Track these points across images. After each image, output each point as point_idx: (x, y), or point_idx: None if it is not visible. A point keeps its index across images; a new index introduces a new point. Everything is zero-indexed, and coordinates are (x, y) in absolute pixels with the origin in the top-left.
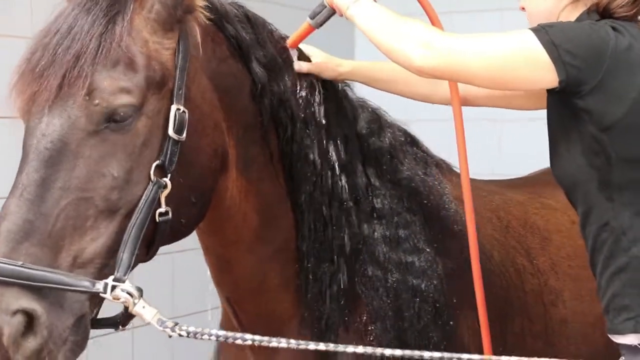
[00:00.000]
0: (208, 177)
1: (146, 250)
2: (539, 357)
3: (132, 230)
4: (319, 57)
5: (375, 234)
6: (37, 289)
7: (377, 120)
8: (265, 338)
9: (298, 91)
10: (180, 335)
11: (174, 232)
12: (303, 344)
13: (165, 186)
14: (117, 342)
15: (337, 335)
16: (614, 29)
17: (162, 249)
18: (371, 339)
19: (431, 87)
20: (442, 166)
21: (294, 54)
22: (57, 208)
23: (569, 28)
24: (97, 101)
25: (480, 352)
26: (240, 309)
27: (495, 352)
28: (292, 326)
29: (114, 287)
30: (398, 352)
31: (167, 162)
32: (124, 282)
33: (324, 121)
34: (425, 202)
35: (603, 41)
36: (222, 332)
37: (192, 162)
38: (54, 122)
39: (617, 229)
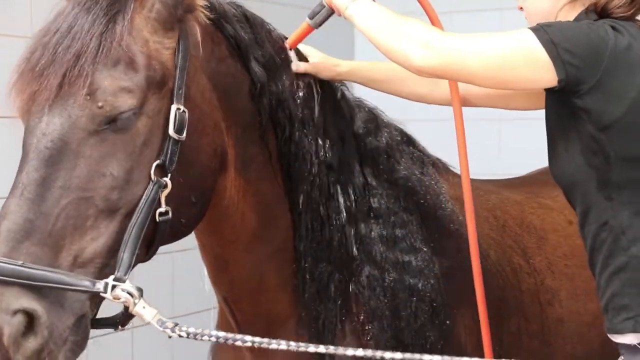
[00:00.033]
0: (208, 176)
1: (146, 250)
2: (534, 356)
3: (132, 230)
4: (317, 57)
5: (372, 233)
6: (37, 289)
7: (374, 119)
8: (265, 340)
9: (296, 91)
10: (180, 336)
11: (174, 231)
12: (303, 346)
13: (166, 186)
14: (117, 341)
15: (335, 335)
16: (613, 28)
17: (162, 249)
18: (368, 338)
19: (428, 88)
20: (438, 165)
21: (293, 55)
22: (58, 207)
23: (568, 27)
24: (98, 101)
25: (477, 351)
26: (238, 309)
27: (492, 352)
28: (290, 326)
29: (114, 287)
30: (398, 355)
31: (167, 162)
32: (124, 282)
33: (321, 121)
34: (422, 201)
35: (602, 40)
36: (222, 334)
37: (192, 161)
38: (54, 122)
39: (616, 229)
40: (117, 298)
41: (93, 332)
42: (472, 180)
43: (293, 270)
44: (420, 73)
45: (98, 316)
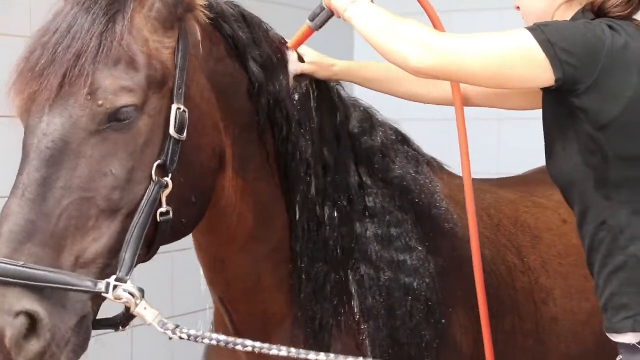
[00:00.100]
0: (208, 176)
1: (147, 250)
2: (529, 355)
3: (134, 230)
4: (313, 57)
5: (368, 232)
6: (39, 290)
7: (369, 119)
8: (266, 345)
9: (293, 91)
10: (181, 338)
11: (175, 231)
12: (303, 354)
13: (167, 186)
14: (117, 341)
15: (331, 335)
16: (610, 27)
17: (162, 248)
18: (364, 337)
19: (425, 88)
20: (433, 165)
21: (295, 57)
22: (59, 208)
23: (565, 27)
24: (99, 101)
25: (473, 350)
26: (234, 309)
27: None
28: (286, 326)
29: (115, 287)
30: None
31: (168, 162)
32: (126, 282)
33: (317, 121)
34: (416, 200)
35: (599, 40)
36: (223, 337)
37: (193, 161)
38: (55, 122)
39: (615, 228)
40: (118, 298)
41: (93, 331)
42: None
43: (289, 270)
44: (418, 74)
45: (98, 317)
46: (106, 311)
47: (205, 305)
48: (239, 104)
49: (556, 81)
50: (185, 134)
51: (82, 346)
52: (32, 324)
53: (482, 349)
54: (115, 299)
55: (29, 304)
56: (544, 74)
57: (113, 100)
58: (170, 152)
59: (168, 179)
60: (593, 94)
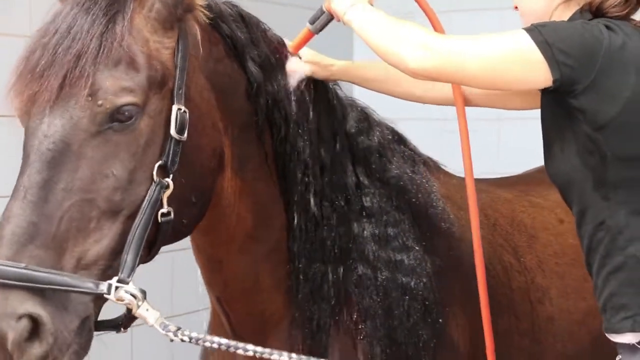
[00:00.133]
0: (208, 176)
1: (148, 251)
2: (525, 354)
3: (136, 231)
4: (311, 57)
5: (365, 232)
6: (41, 292)
7: (366, 119)
8: (267, 350)
9: (291, 91)
10: (182, 340)
11: (176, 232)
12: (305, 359)
13: (168, 186)
14: (117, 340)
15: (329, 335)
16: (607, 27)
17: (162, 248)
18: (361, 337)
19: (424, 87)
20: (429, 164)
21: (296, 60)
22: (61, 210)
23: (562, 27)
24: (100, 101)
25: (469, 349)
26: (231, 309)
27: (481, 350)
28: (283, 326)
29: (117, 289)
30: None
31: (169, 163)
32: (127, 283)
33: (315, 121)
34: (413, 200)
35: (596, 40)
36: (224, 340)
37: (193, 161)
38: (55, 123)
39: (613, 228)
40: (120, 300)
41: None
42: (464, 179)
43: (287, 270)
44: (416, 76)
45: (99, 318)
46: (106, 312)
47: (205, 304)
48: (237, 104)
49: (554, 82)
50: (185, 135)
51: (85, 348)
52: (34, 326)
53: (479, 348)
54: (117, 300)
55: (32, 306)
56: (541, 75)
57: (113, 100)
58: (171, 152)
59: (169, 180)
60: (590, 94)
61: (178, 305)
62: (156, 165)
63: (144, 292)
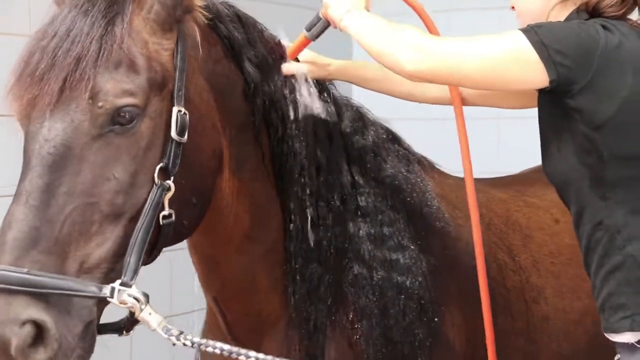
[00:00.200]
0: (208, 177)
1: (149, 254)
2: (520, 354)
3: (138, 234)
4: (308, 57)
5: (360, 232)
6: (44, 297)
7: (361, 118)
8: (269, 357)
9: (287, 91)
10: (184, 344)
11: (177, 234)
12: None
13: (169, 188)
14: (116, 339)
15: (325, 335)
16: (604, 27)
17: None
18: (358, 336)
19: (420, 87)
20: (423, 163)
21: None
22: (63, 214)
23: (559, 28)
24: (100, 103)
25: (465, 348)
26: (228, 309)
27: (478, 349)
28: (280, 327)
29: (120, 292)
30: None
31: (170, 165)
32: (130, 286)
33: (311, 121)
34: (408, 199)
35: (593, 40)
36: (227, 346)
37: (193, 163)
38: (56, 127)
39: (612, 228)
40: (123, 303)
41: None
42: (459, 179)
43: (283, 271)
44: (413, 78)
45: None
46: (106, 313)
47: (203, 305)
48: (235, 104)
49: (550, 82)
50: (186, 136)
51: (88, 352)
52: (38, 332)
53: (475, 346)
54: (120, 303)
55: (36, 312)
56: (538, 76)
57: (114, 101)
58: (172, 154)
59: (170, 182)
60: (587, 94)
61: (177, 305)
62: (157, 168)
63: (146, 296)
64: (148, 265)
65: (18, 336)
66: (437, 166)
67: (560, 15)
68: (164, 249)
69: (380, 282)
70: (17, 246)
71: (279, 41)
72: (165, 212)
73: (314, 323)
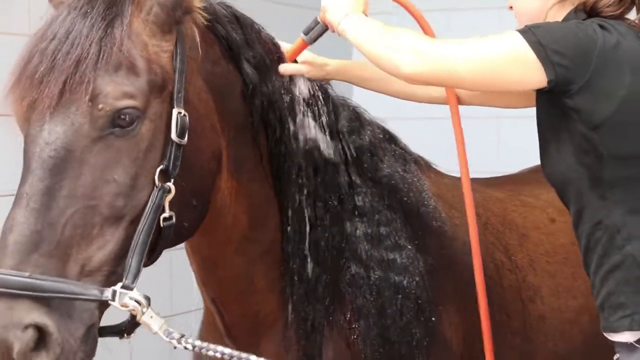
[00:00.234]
0: (207, 178)
1: (149, 256)
2: (516, 353)
3: (139, 236)
4: (305, 57)
5: (358, 232)
6: (46, 301)
7: (357, 118)
8: None
9: (285, 92)
10: (185, 348)
11: (177, 236)
12: None
13: (169, 191)
14: (116, 340)
15: (323, 336)
16: (601, 27)
17: None
18: (355, 336)
19: (418, 86)
20: (420, 163)
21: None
22: (64, 217)
23: (556, 28)
24: (100, 106)
25: (462, 347)
26: (226, 310)
27: (474, 348)
28: (278, 327)
29: (122, 295)
30: None
31: (170, 167)
32: (132, 289)
33: (309, 122)
34: (405, 199)
35: (591, 40)
36: (227, 350)
37: (194, 165)
38: (56, 130)
39: (611, 227)
40: (125, 306)
41: None
42: (455, 179)
43: (281, 272)
44: (411, 81)
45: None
46: (107, 316)
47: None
48: (233, 105)
49: (548, 83)
50: (186, 138)
51: (90, 355)
52: (40, 336)
53: (471, 346)
54: (122, 306)
55: (38, 316)
56: (536, 76)
57: (114, 103)
58: (172, 156)
59: (170, 184)
60: (586, 94)
61: (177, 305)
62: (158, 170)
63: (148, 299)
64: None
65: (20, 340)
66: (433, 166)
67: (558, 15)
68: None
69: (378, 281)
70: (19, 250)
71: (276, 42)
72: (166, 215)
73: (312, 323)
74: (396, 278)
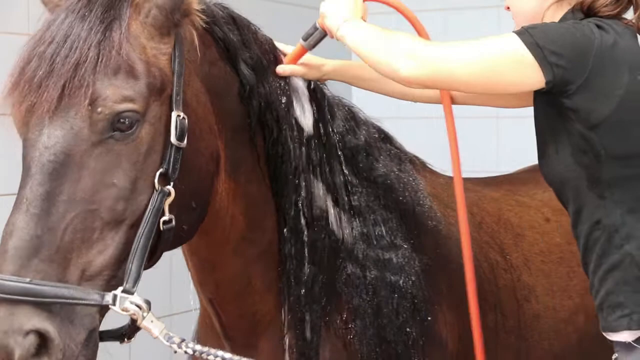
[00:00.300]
0: (206, 180)
1: (149, 259)
2: (511, 352)
3: (140, 240)
4: (302, 58)
5: (354, 231)
6: (47, 307)
7: (352, 118)
8: None
9: (282, 93)
10: (186, 352)
11: (177, 238)
12: None
13: (169, 194)
14: (116, 344)
15: (320, 336)
16: (598, 26)
17: None
18: (352, 336)
19: None
20: (415, 162)
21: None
22: (64, 222)
23: (553, 29)
24: (100, 109)
25: (458, 346)
26: (223, 311)
27: (470, 347)
28: (275, 328)
29: (122, 299)
30: None
31: (170, 170)
32: (132, 293)
33: (306, 122)
34: (400, 198)
35: (588, 40)
36: (228, 355)
37: (192, 167)
38: (55, 134)
39: (610, 227)
40: (125, 310)
41: None
42: (451, 179)
43: (278, 272)
44: (408, 84)
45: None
46: (107, 319)
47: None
48: (230, 106)
49: (546, 83)
50: (185, 141)
51: (91, 359)
52: (42, 342)
53: (467, 345)
54: (122, 311)
55: (39, 322)
56: (534, 77)
57: (113, 106)
58: (171, 159)
59: (170, 187)
60: (584, 93)
61: (177, 304)
62: (157, 173)
63: (148, 303)
64: None
65: (21, 346)
66: (429, 165)
67: (555, 15)
68: None
69: (374, 281)
70: (19, 255)
71: (273, 42)
72: (166, 218)
73: (309, 324)
74: (392, 278)
